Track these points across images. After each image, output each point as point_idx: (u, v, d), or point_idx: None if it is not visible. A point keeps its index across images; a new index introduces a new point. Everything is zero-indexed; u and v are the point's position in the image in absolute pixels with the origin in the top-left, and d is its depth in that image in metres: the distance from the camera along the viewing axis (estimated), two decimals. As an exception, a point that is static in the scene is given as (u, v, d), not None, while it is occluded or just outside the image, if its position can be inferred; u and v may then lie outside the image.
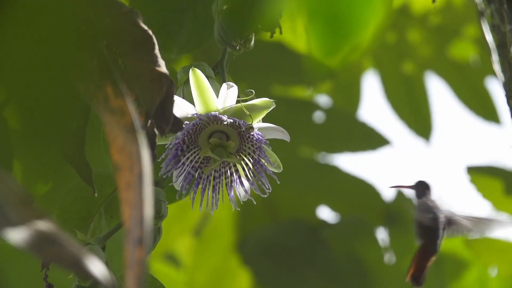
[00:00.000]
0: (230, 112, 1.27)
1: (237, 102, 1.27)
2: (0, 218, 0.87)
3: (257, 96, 1.29)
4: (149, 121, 1.08)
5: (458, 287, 2.57)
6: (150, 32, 1.10)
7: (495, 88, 2.69)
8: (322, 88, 2.66)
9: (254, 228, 2.59)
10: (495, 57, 1.52)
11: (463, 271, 2.58)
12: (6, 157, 1.17)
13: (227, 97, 1.26)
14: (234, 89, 1.25)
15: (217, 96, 1.27)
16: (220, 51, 1.44)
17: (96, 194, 1.22)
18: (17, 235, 0.87)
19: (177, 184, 1.30)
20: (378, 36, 2.56)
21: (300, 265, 2.56)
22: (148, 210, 0.91)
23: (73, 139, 1.14)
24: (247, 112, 1.27)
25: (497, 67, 1.51)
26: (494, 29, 1.54)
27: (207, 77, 1.30)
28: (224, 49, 1.43)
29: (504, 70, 1.53)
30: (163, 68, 1.09)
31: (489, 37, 1.55)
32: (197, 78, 1.25)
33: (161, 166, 1.27)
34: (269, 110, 1.28)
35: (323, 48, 0.74)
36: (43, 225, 0.89)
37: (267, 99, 1.27)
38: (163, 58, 1.12)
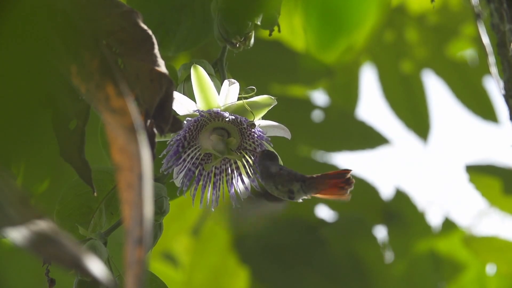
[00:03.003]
0: (231, 109, 1.27)
1: (238, 99, 1.27)
2: (0, 218, 0.87)
3: (255, 95, 1.29)
4: (149, 121, 1.08)
5: (457, 286, 2.58)
6: (150, 31, 1.10)
7: (493, 87, 2.70)
8: (319, 85, 2.66)
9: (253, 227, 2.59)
10: (491, 60, 1.52)
11: (461, 270, 2.59)
12: (5, 155, 1.17)
13: (228, 94, 1.26)
14: (236, 86, 1.26)
15: (218, 93, 1.27)
16: (219, 49, 1.44)
17: (95, 194, 1.22)
18: (17, 235, 0.87)
19: (178, 181, 1.30)
20: (375, 35, 2.56)
21: (299, 263, 2.56)
22: (148, 210, 0.91)
23: (72, 139, 1.14)
24: (249, 109, 1.27)
25: (494, 69, 1.51)
26: (493, 28, 1.54)
27: (208, 74, 1.30)
28: (224, 46, 1.43)
29: (503, 69, 1.54)
30: (162, 68, 1.09)
31: (485, 39, 1.55)
32: (199, 75, 1.25)
33: (162, 162, 1.27)
34: (270, 107, 1.28)
35: (319, 42, 0.74)
36: (43, 225, 0.89)
37: (268, 96, 1.27)
38: (161, 56, 1.12)
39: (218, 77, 1.40)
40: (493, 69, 1.50)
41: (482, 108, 2.70)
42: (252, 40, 1.38)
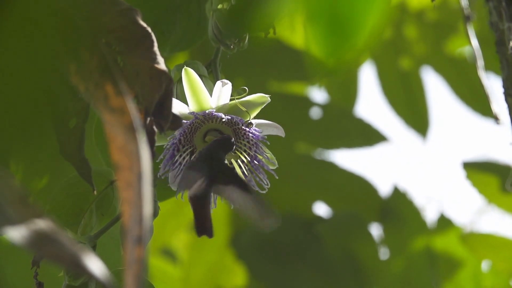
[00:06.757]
0: (224, 110, 1.27)
1: (231, 100, 1.27)
2: (0, 217, 0.87)
3: (253, 93, 1.28)
4: (148, 119, 1.08)
5: (452, 283, 2.58)
6: (149, 29, 1.09)
7: (493, 83, 2.70)
8: (322, 83, 2.66)
9: (250, 224, 2.60)
10: (480, 63, 1.52)
11: (457, 267, 2.59)
12: (3, 154, 1.17)
13: (220, 95, 1.26)
14: (228, 87, 1.25)
15: (211, 95, 1.26)
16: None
17: (95, 192, 1.22)
18: (16, 233, 0.87)
19: (174, 185, 1.30)
20: (378, 34, 2.56)
21: (294, 260, 2.56)
22: (147, 209, 0.91)
23: (72, 137, 1.14)
24: (244, 109, 1.26)
25: (482, 72, 1.51)
26: (492, 27, 1.54)
27: (201, 75, 1.29)
28: (218, 47, 1.42)
29: (502, 68, 1.54)
30: (162, 65, 1.09)
31: (475, 42, 1.55)
32: (190, 78, 1.25)
33: (159, 167, 1.27)
34: (263, 106, 1.28)
35: (325, 50, 0.74)
36: (42, 224, 0.89)
37: (261, 94, 1.27)
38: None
39: (212, 78, 1.40)
40: (481, 72, 1.51)
41: (481, 105, 2.70)
42: (247, 41, 1.37)
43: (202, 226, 1.23)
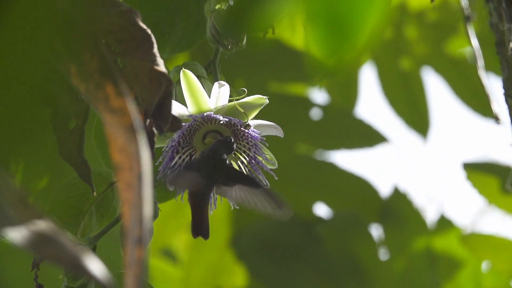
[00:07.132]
0: (223, 111, 1.26)
1: (230, 101, 1.27)
2: (0, 217, 0.87)
3: (253, 93, 1.28)
4: (148, 120, 1.08)
5: (453, 284, 2.58)
6: (149, 31, 1.09)
7: (493, 84, 2.70)
8: (322, 83, 2.67)
9: (250, 224, 2.60)
10: (480, 63, 1.52)
11: (457, 268, 2.59)
12: (3, 154, 1.17)
13: (219, 96, 1.26)
14: (226, 88, 1.25)
15: (209, 96, 1.26)
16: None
17: (95, 193, 1.22)
18: (16, 234, 0.87)
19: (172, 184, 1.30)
20: (378, 35, 2.56)
21: (294, 260, 2.56)
22: (148, 209, 0.91)
23: (72, 138, 1.14)
24: (242, 110, 1.26)
25: (482, 73, 1.51)
26: (492, 28, 1.55)
27: (199, 76, 1.29)
28: (217, 48, 1.42)
29: (502, 68, 1.54)
30: (161, 67, 1.09)
31: (475, 42, 1.55)
32: (188, 80, 1.25)
33: (158, 169, 1.27)
34: (262, 107, 1.28)
35: (325, 50, 0.74)
36: (42, 225, 0.89)
37: (259, 96, 1.27)
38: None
39: (211, 79, 1.40)
40: (482, 73, 1.51)
41: (481, 106, 2.70)
42: (245, 42, 1.37)
43: (198, 227, 1.24)
